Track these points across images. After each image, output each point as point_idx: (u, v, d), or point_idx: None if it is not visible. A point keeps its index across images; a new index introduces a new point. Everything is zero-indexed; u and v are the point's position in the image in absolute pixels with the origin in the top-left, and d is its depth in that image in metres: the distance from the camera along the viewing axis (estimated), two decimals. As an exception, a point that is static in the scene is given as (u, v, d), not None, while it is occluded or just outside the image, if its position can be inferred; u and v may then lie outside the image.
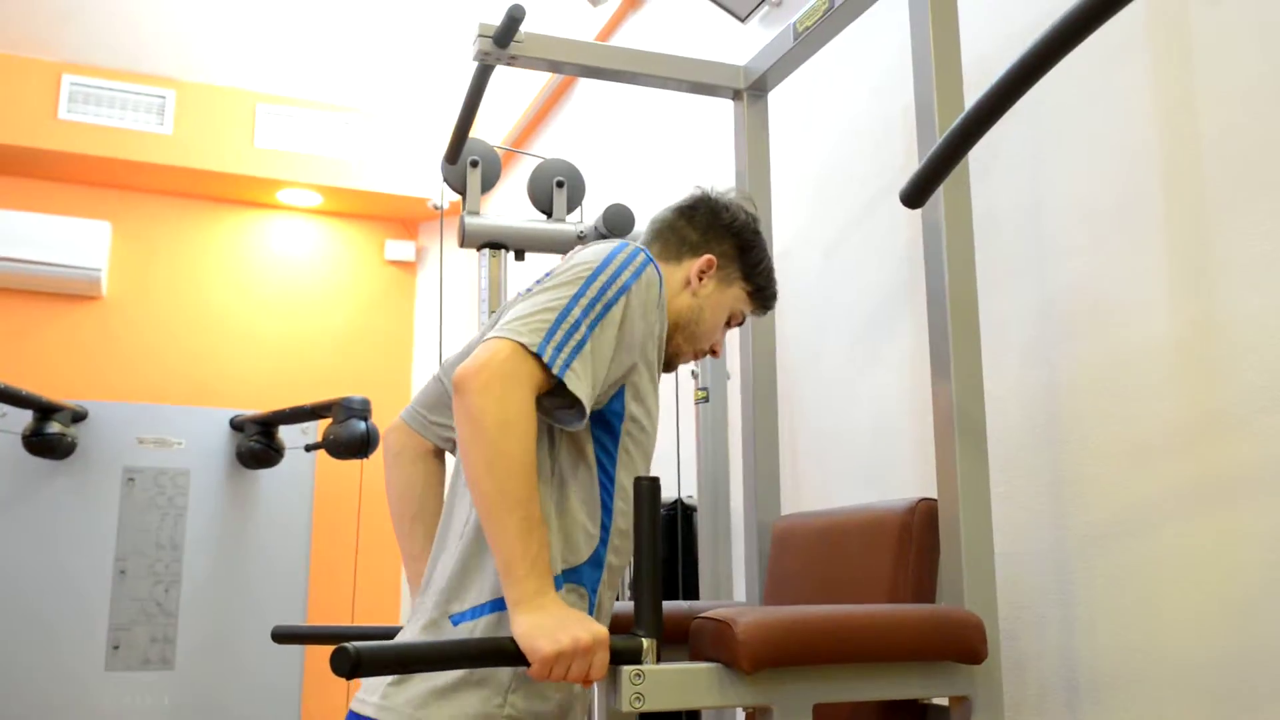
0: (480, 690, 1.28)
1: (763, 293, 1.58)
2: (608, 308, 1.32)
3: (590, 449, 1.36)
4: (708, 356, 1.59)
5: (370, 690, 1.33)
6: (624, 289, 1.34)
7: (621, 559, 1.40)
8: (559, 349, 1.26)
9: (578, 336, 1.28)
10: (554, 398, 1.29)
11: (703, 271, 1.52)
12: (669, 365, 1.54)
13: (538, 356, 1.24)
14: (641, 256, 1.37)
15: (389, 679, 1.30)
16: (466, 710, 1.27)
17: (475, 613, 1.31)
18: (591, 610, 1.36)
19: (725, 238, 1.54)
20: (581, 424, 1.31)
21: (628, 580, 2.44)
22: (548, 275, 1.39)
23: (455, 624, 1.31)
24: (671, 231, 1.55)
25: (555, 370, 1.25)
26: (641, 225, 3.35)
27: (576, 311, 1.29)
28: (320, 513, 4.98)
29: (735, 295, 1.56)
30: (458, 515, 1.41)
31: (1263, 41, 1.41)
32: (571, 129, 4.17)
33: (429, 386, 1.61)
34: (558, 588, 1.30)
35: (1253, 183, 1.41)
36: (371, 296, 5.34)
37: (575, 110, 4.16)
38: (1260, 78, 1.41)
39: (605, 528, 1.37)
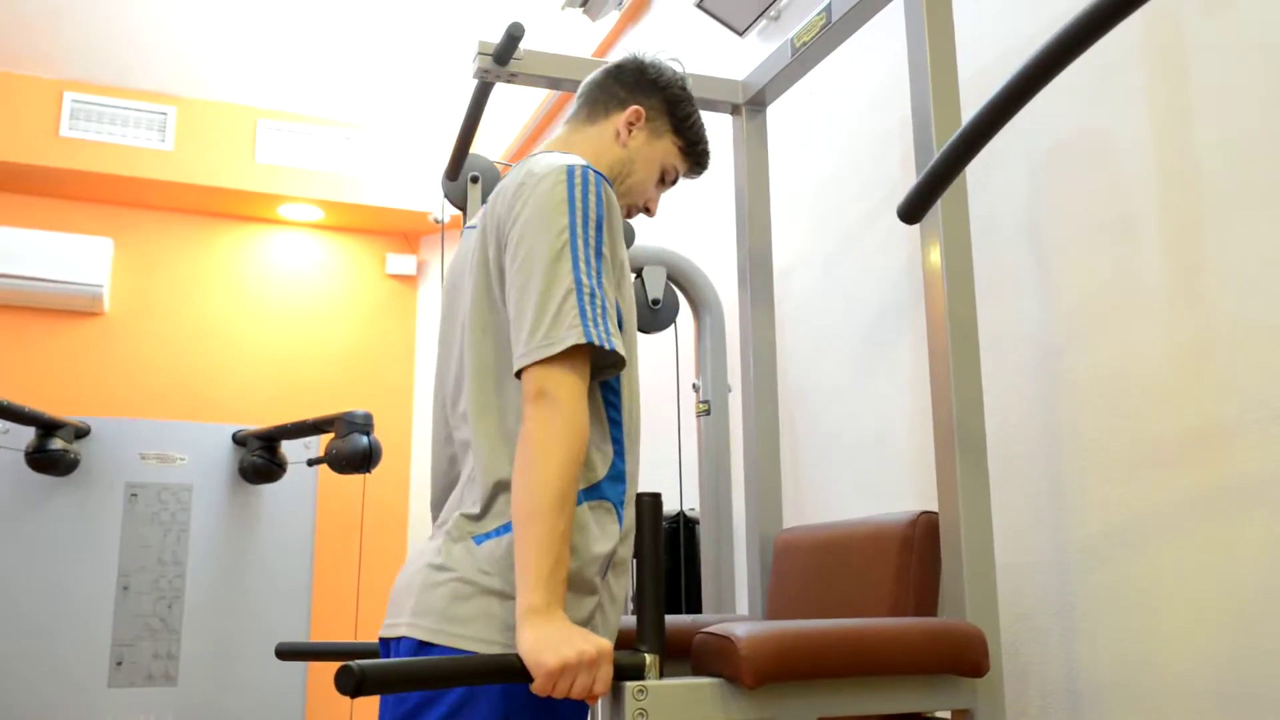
0: (505, 600, 1.29)
1: (695, 148, 1.61)
2: (599, 249, 1.34)
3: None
4: (638, 215, 1.60)
5: (397, 614, 1.36)
6: (600, 220, 1.35)
7: (633, 465, 1.43)
8: (596, 325, 1.28)
9: (598, 300, 1.30)
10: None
11: (630, 123, 1.55)
12: None
13: (588, 344, 1.26)
14: (592, 174, 1.37)
15: (420, 598, 1.32)
16: (493, 614, 1.28)
17: (498, 532, 1.33)
18: (621, 524, 1.37)
19: (652, 92, 1.57)
20: (617, 371, 1.35)
21: (630, 594, 2.44)
22: (511, 237, 1.36)
23: (479, 544, 1.33)
24: (600, 90, 1.58)
25: (606, 347, 1.28)
26: (640, 239, 3.36)
27: (584, 278, 1.31)
28: (323, 527, 4.98)
29: (665, 149, 1.58)
30: (475, 444, 1.40)
31: (1259, 53, 1.42)
32: (571, 143, 4.17)
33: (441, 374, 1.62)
34: (577, 504, 1.32)
35: (1250, 193, 1.42)
36: (373, 310, 5.35)
37: (575, 124, 4.16)
38: (1256, 89, 1.42)
39: (617, 440, 1.40)
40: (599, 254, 1.34)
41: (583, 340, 1.26)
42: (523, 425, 1.27)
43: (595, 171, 1.39)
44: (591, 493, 1.36)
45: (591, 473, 1.36)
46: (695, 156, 1.62)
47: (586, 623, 1.33)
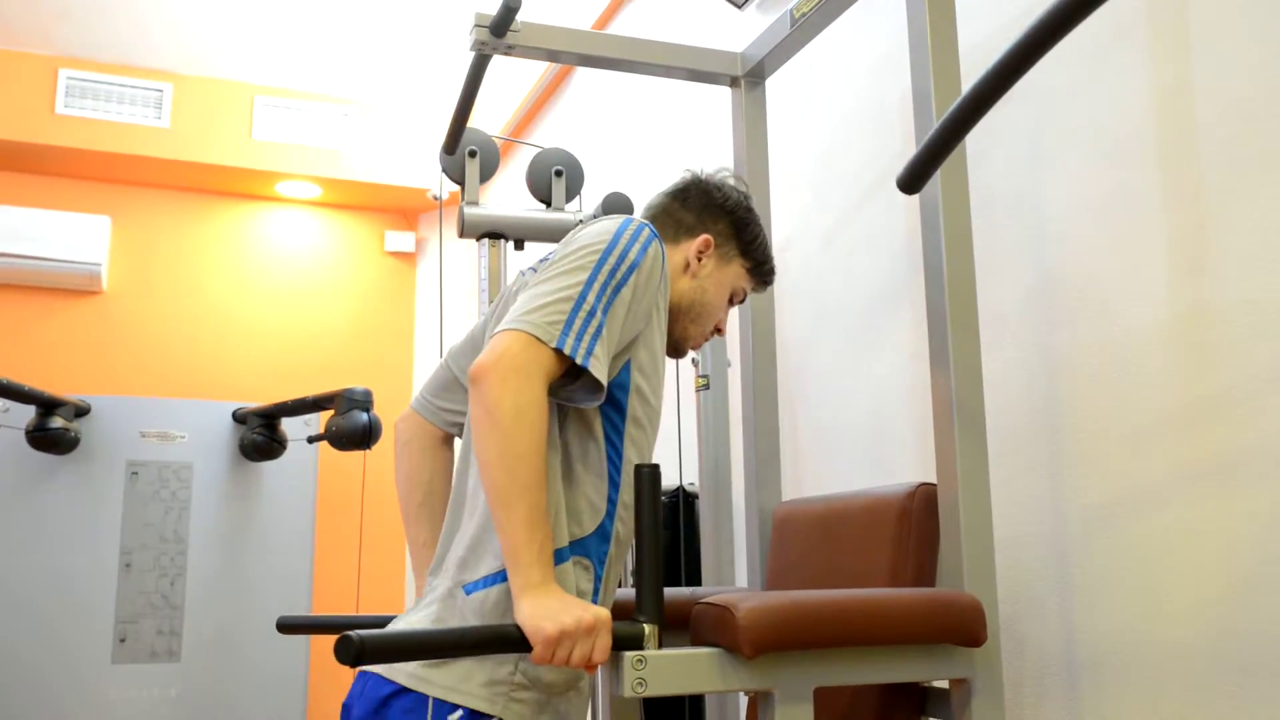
0: (493, 656, 1.29)
1: (761, 268, 1.61)
2: (619, 288, 1.33)
3: (598, 424, 1.38)
4: (712, 338, 1.61)
5: None
6: (633, 267, 1.35)
7: (628, 532, 1.42)
8: (579, 338, 1.28)
9: (595, 323, 1.29)
10: (568, 380, 1.31)
11: (701, 252, 1.54)
12: (679, 350, 1.56)
13: (558, 349, 1.26)
14: (647, 231, 1.39)
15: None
16: (475, 675, 1.29)
17: (487, 582, 1.33)
18: (598, 583, 1.37)
19: (720, 217, 1.56)
20: (596, 402, 1.34)
21: (630, 568, 2.45)
22: (551, 256, 1.40)
23: (468, 593, 1.33)
24: (666, 216, 1.57)
25: (579, 360, 1.27)
26: (639, 212, 3.35)
27: (591, 298, 1.30)
28: (324, 504, 5.00)
29: (735, 273, 1.58)
30: (470, 489, 1.42)
31: (1260, 26, 1.41)
32: (569, 118, 4.16)
33: (436, 372, 1.64)
34: (563, 560, 1.32)
35: (1250, 167, 1.41)
36: (372, 287, 5.34)
37: (573, 99, 4.15)
38: (1257, 63, 1.41)
39: (612, 501, 1.39)
40: (617, 291, 1.33)
41: (553, 342, 1.25)
42: (482, 397, 1.24)
43: (650, 228, 1.39)
44: (577, 548, 1.35)
45: (578, 528, 1.35)
46: (762, 275, 1.62)
47: (567, 685, 1.34)
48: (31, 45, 4.63)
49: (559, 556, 1.32)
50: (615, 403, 1.39)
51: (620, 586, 1.52)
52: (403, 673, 1.30)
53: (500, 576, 1.32)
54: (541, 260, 1.46)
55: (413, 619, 1.38)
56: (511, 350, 1.25)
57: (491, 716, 1.28)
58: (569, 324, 1.27)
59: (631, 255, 1.35)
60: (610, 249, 1.34)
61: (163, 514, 3.90)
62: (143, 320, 4.92)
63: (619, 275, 1.34)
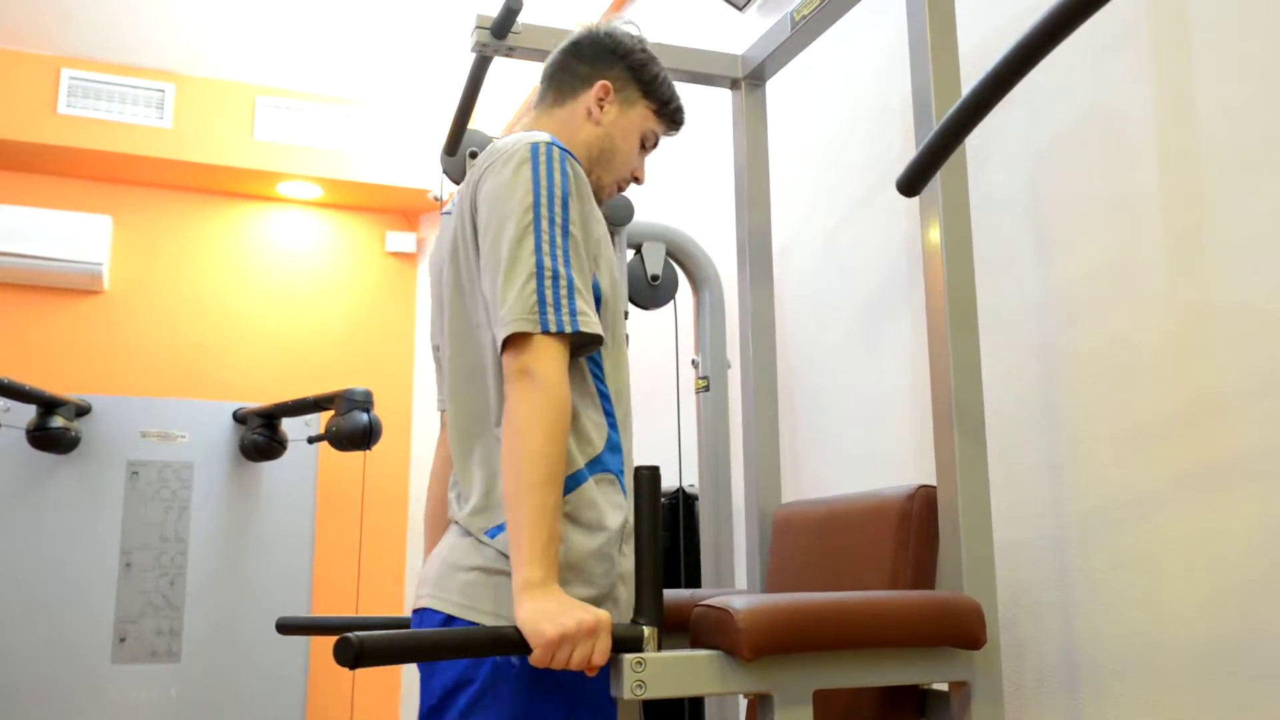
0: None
1: (667, 107, 1.60)
2: (565, 226, 1.34)
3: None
4: (629, 186, 1.62)
5: (425, 584, 1.39)
6: (565, 195, 1.35)
7: (629, 436, 1.44)
8: (559, 309, 1.29)
9: (563, 282, 1.30)
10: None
11: (600, 99, 1.55)
12: (597, 199, 1.56)
13: (545, 332, 1.27)
14: (556, 150, 1.37)
15: (455, 579, 1.35)
16: (508, 604, 1.29)
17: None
18: (624, 493, 1.39)
19: (614, 62, 1.57)
20: (595, 348, 1.36)
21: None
22: (488, 217, 1.36)
23: (492, 537, 1.34)
24: (563, 71, 1.57)
25: (568, 330, 1.28)
26: (639, 215, 3.35)
27: (548, 260, 1.31)
28: (324, 504, 5.00)
29: (640, 115, 1.58)
30: (476, 440, 1.42)
31: (1262, 29, 1.41)
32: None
33: (438, 367, 1.63)
34: (582, 481, 1.34)
35: (1250, 169, 1.41)
36: (373, 288, 5.34)
37: (574, 100, 4.15)
38: (1258, 65, 1.41)
39: (609, 413, 1.41)
40: (565, 231, 1.33)
41: (537, 331, 1.27)
42: (505, 404, 1.28)
43: (560, 147, 1.38)
44: (595, 466, 1.37)
45: (590, 447, 1.37)
46: (670, 115, 1.61)
47: (606, 598, 1.34)
48: (33, 45, 4.63)
49: (578, 478, 1.34)
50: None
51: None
52: (450, 602, 1.33)
53: None
54: (472, 223, 1.42)
55: (439, 561, 1.39)
56: (537, 353, 1.27)
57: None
58: (543, 302, 1.28)
59: (559, 185, 1.35)
60: (537, 196, 1.33)
61: (163, 514, 3.90)
62: (144, 320, 4.92)
63: (558, 213, 1.34)
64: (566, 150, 1.39)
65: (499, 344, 1.31)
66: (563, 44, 1.60)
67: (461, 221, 1.44)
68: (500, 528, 1.35)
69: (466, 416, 1.42)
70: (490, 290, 1.34)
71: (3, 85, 4.62)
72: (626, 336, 2.22)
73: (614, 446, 1.40)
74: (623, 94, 1.56)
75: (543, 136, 1.39)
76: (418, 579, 1.46)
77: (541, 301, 1.28)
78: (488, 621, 1.31)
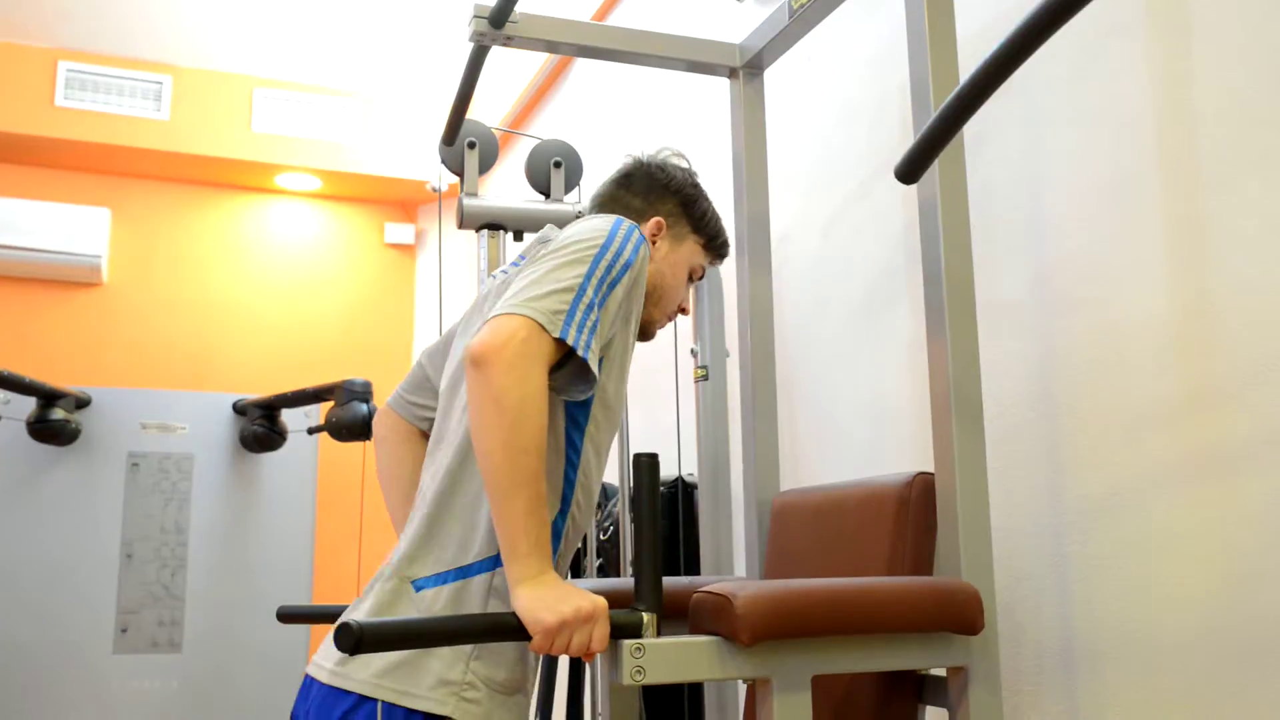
0: (441, 658, 1.29)
1: (714, 241, 1.62)
2: (613, 285, 1.34)
3: (561, 421, 1.38)
4: (677, 317, 1.63)
5: (326, 656, 1.34)
6: (627, 266, 1.36)
7: (578, 530, 1.43)
8: (580, 330, 1.27)
9: (593, 317, 1.30)
10: (557, 371, 1.31)
11: (654, 235, 1.56)
12: (647, 334, 1.57)
13: (560, 339, 1.25)
14: (638, 234, 1.40)
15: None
16: (426, 679, 1.29)
17: (438, 580, 1.33)
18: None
19: (666, 197, 1.58)
20: (584, 396, 1.34)
21: (628, 557, 2.46)
22: (545, 247, 1.39)
23: (417, 590, 1.33)
24: (615, 203, 1.58)
25: (580, 352, 1.26)
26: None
27: (590, 291, 1.30)
28: (324, 495, 5.00)
29: (690, 250, 1.59)
30: (425, 484, 1.43)
31: (1260, 16, 1.41)
32: (568, 109, 4.16)
33: (411, 371, 1.67)
34: (475, 574, 1.33)
35: (1248, 158, 1.41)
36: (372, 279, 5.34)
37: (572, 91, 4.15)
38: (1257, 53, 1.41)
39: (566, 499, 1.38)
40: (611, 289, 1.33)
41: (555, 334, 1.25)
42: (487, 383, 1.22)
43: (641, 234, 1.40)
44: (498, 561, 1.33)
45: None
46: (717, 249, 1.63)
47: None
48: (31, 38, 4.62)
49: (474, 569, 1.33)
50: (583, 401, 1.38)
51: (618, 577, 1.53)
52: (354, 679, 1.29)
53: (451, 576, 1.32)
54: (519, 259, 1.46)
55: (359, 615, 1.36)
56: (519, 335, 1.23)
57: (443, 718, 1.28)
58: (571, 314, 1.27)
59: (625, 254, 1.36)
60: (606, 246, 1.34)
61: (163, 505, 3.91)
62: (143, 312, 4.92)
63: (614, 273, 1.34)
64: (644, 238, 1.41)
65: (492, 314, 1.27)
66: (614, 174, 1.60)
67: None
68: (428, 580, 1.32)
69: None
70: (527, 275, 1.32)
71: (0, 78, 4.61)
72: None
73: (555, 533, 1.37)
74: (674, 230, 1.57)
75: (635, 225, 1.41)
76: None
77: (570, 314, 1.27)
78: (393, 700, 1.26)
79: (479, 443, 1.24)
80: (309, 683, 1.36)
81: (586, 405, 1.39)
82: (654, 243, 1.55)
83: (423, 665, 1.29)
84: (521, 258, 1.50)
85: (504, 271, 1.54)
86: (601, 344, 1.33)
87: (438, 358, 1.62)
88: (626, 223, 1.40)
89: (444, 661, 1.29)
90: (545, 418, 1.24)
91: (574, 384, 1.33)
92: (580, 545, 2.12)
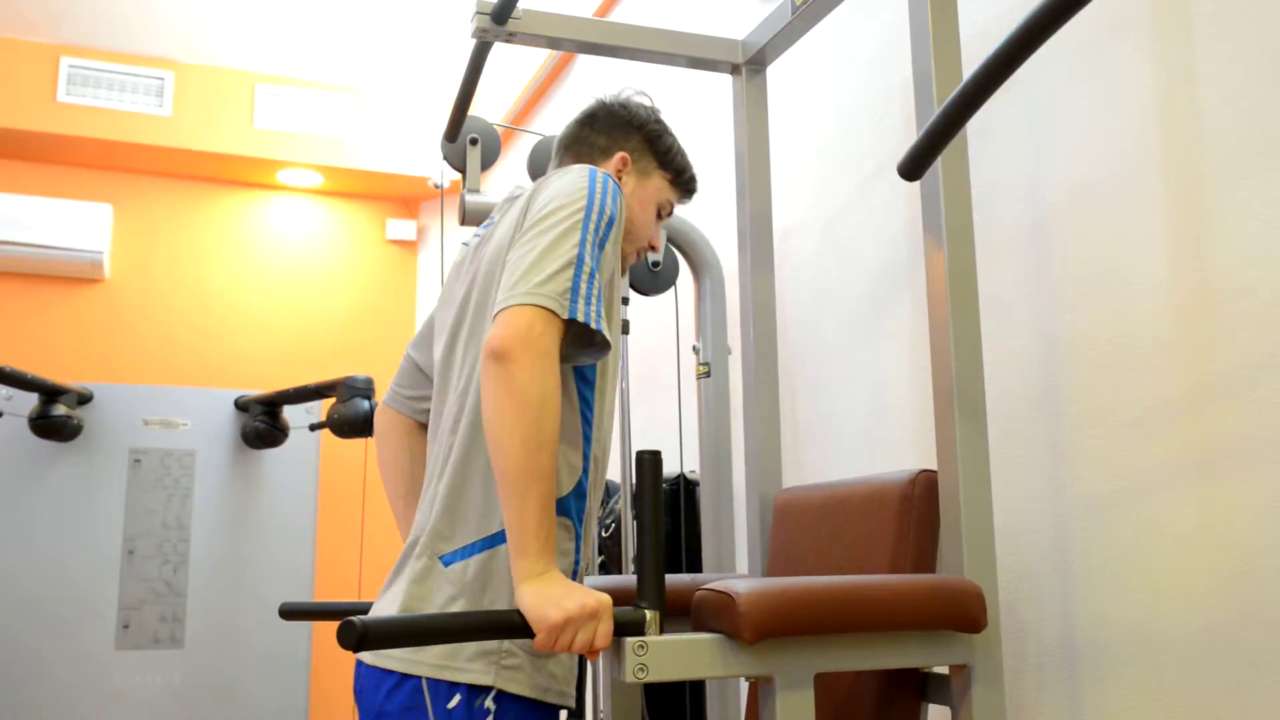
0: None
1: (681, 176, 1.63)
2: (603, 243, 1.36)
3: (572, 382, 1.40)
4: (645, 255, 1.63)
5: None
6: (611, 220, 1.38)
7: (600, 480, 1.44)
8: (589, 303, 1.29)
9: (596, 283, 1.31)
10: (568, 340, 1.32)
11: (619, 170, 1.57)
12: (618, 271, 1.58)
13: (571, 319, 1.27)
14: (612, 182, 1.41)
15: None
16: (465, 651, 1.30)
17: (466, 552, 1.34)
18: (578, 541, 1.39)
19: (630, 133, 1.59)
20: (602, 357, 1.36)
21: (630, 554, 2.46)
22: (526, 215, 1.39)
23: (446, 565, 1.34)
24: (579, 143, 1.59)
25: (594, 325, 1.28)
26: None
27: (587, 258, 1.32)
28: (325, 491, 5.01)
29: (656, 186, 1.60)
30: (434, 460, 1.44)
31: (1262, 14, 1.41)
32: (571, 105, 4.16)
33: (401, 367, 1.67)
34: None
35: (1251, 154, 1.41)
36: (373, 276, 5.35)
37: (574, 86, 4.15)
38: (1260, 50, 1.41)
39: (587, 457, 1.40)
40: (602, 245, 1.35)
41: (565, 315, 1.27)
42: (509, 379, 1.23)
43: (614, 181, 1.42)
44: (558, 508, 1.35)
45: (559, 489, 1.36)
46: (685, 184, 1.64)
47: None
48: (33, 33, 4.62)
49: None
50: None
51: (620, 574, 1.53)
52: (393, 658, 1.31)
53: (477, 546, 1.33)
54: (490, 220, 1.48)
55: (391, 596, 1.39)
56: (536, 329, 1.24)
57: (489, 688, 1.29)
58: (576, 290, 1.28)
59: (608, 209, 1.37)
60: (590, 205, 1.36)
61: (165, 501, 3.91)
62: (145, 308, 4.92)
63: (602, 230, 1.36)
64: (618, 185, 1.42)
65: (506, 304, 1.27)
66: (577, 116, 1.61)
67: (488, 242, 1.45)
68: (456, 554, 1.34)
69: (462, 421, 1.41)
70: (517, 262, 1.32)
71: (2, 74, 4.61)
72: (625, 323, 2.23)
73: (580, 492, 1.39)
74: (640, 165, 1.58)
75: (607, 173, 1.43)
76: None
77: (574, 290, 1.28)
78: (434, 675, 1.29)
79: (496, 436, 1.24)
80: (359, 665, 1.38)
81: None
82: (619, 179, 1.56)
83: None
84: (493, 219, 1.52)
85: (477, 236, 1.55)
86: (607, 305, 1.35)
87: (423, 346, 1.63)
88: (599, 173, 1.41)
89: None
90: (560, 412, 1.26)
91: (585, 352, 1.35)
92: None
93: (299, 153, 4.97)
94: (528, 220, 1.38)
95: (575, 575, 1.38)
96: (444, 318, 1.55)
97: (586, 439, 1.40)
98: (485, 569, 1.33)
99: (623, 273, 1.59)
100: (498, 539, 1.34)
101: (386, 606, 1.39)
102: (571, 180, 1.39)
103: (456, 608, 1.31)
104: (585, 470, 1.40)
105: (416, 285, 5.43)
